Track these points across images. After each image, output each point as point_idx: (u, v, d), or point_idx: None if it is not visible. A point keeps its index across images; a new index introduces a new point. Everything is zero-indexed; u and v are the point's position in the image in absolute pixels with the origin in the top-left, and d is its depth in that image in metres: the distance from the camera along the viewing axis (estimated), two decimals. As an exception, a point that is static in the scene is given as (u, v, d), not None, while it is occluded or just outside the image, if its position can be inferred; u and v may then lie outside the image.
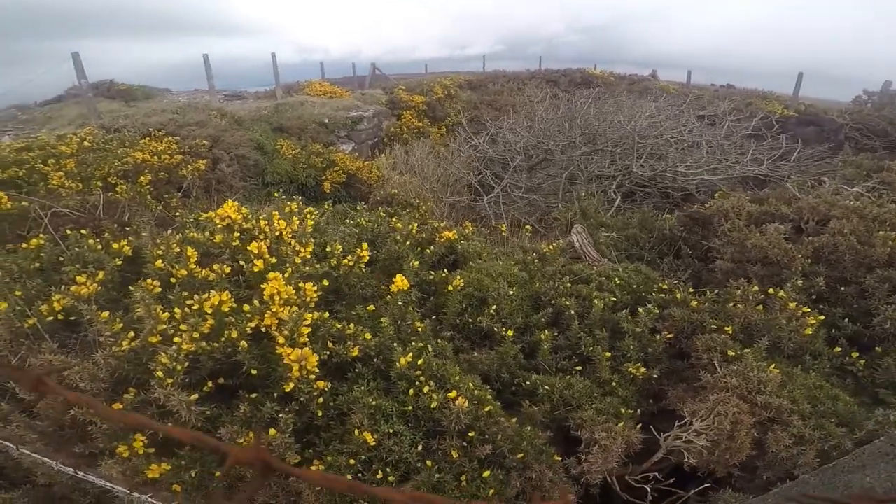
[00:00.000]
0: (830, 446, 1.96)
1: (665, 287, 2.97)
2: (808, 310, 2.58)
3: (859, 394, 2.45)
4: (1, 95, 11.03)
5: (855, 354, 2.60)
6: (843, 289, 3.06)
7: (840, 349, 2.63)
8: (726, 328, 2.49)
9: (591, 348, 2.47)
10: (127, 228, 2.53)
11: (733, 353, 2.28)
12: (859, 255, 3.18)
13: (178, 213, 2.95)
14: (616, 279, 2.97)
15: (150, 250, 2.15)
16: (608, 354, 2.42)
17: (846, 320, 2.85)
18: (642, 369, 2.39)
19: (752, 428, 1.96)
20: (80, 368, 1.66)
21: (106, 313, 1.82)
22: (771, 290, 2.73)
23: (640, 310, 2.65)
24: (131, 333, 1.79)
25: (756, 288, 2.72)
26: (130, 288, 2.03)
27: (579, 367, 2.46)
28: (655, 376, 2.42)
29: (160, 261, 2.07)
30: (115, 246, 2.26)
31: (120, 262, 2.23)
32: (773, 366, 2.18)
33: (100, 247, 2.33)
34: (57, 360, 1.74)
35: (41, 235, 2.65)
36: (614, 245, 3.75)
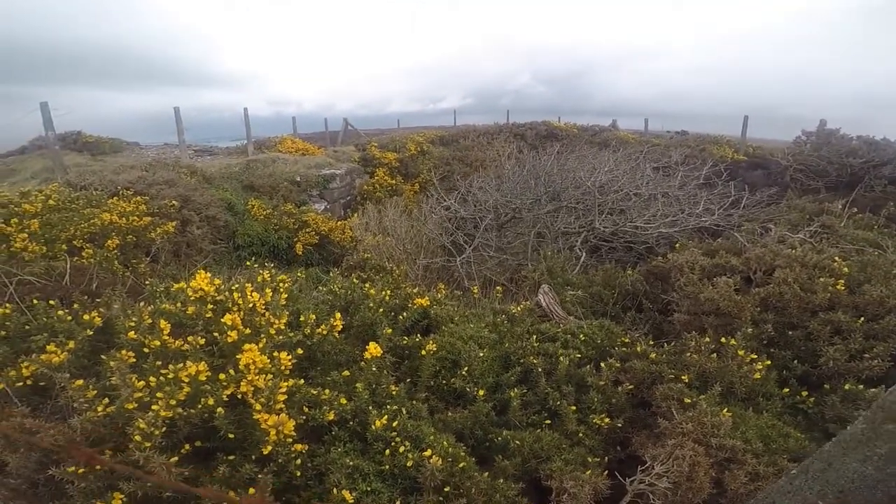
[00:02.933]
0: (785, 481, 2.10)
1: (627, 341, 3.13)
2: (756, 356, 2.78)
3: (811, 430, 2.60)
4: None
5: (804, 393, 2.79)
6: (790, 333, 3.27)
7: (789, 389, 2.83)
8: (683, 377, 2.65)
9: (558, 403, 2.58)
10: (97, 300, 2.53)
11: (689, 400, 2.44)
12: (803, 301, 3.43)
13: (147, 282, 2.95)
14: (581, 336, 3.11)
15: (121, 322, 2.17)
16: (574, 408, 2.54)
17: (795, 362, 3.06)
18: (607, 419, 2.52)
19: (710, 469, 2.09)
20: (55, 432, 1.69)
21: (80, 381, 1.85)
22: (724, 340, 2.91)
23: (603, 364, 2.79)
24: (106, 400, 1.82)
25: (708, 339, 2.90)
26: (103, 357, 2.07)
27: (548, 421, 2.56)
28: (620, 425, 2.55)
29: (133, 332, 2.10)
30: (86, 317, 2.27)
31: (91, 333, 2.23)
32: (725, 410, 2.34)
33: (69, 318, 2.33)
34: (29, 423, 1.74)
35: (7, 304, 2.62)
36: (580, 303, 3.91)
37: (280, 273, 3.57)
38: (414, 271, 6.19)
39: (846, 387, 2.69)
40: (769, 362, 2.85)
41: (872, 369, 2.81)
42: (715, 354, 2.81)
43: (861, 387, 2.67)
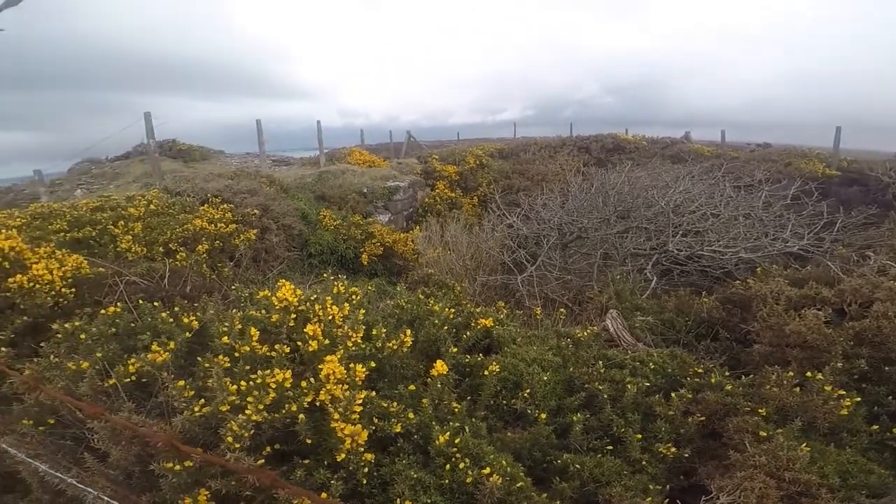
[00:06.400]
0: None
1: (700, 371, 3.01)
2: (844, 392, 2.60)
3: (896, 466, 2.41)
4: (84, 150, 12.26)
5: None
6: (887, 368, 3.01)
7: (879, 426, 2.62)
8: (760, 410, 2.54)
9: (622, 430, 2.54)
10: (195, 304, 2.79)
11: (764, 434, 2.35)
12: (904, 336, 3.11)
13: (233, 287, 3.21)
14: (650, 364, 3.02)
15: (216, 326, 2.38)
16: (639, 436, 2.49)
17: (890, 398, 2.83)
18: (673, 449, 2.45)
19: (779, 502, 2.01)
20: (158, 429, 1.86)
21: (182, 381, 2.03)
22: (809, 374, 2.75)
23: (673, 394, 2.71)
24: (202, 401, 1.98)
25: (791, 373, 2.75)
26: (198, 358, 2.27)
27: (610, 447, 2.52)
28: (686, 455, 2.47)
29: (226, 337, 2.30)
30: (185, 320, 2.51)
31: (189, 335, 2.46)
32: (804, 444, 2.24)
33: (171, 320, 2.59)
34: (135, 419, 1.93)
35: (118, 304, 2.94)
36: (650, 329, 3.76)
37: (349, 283, 3.74)
38: (472, 287, 6.21)
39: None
40: (859, 399, 2.66)
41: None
42: (798, 388, 2.67)
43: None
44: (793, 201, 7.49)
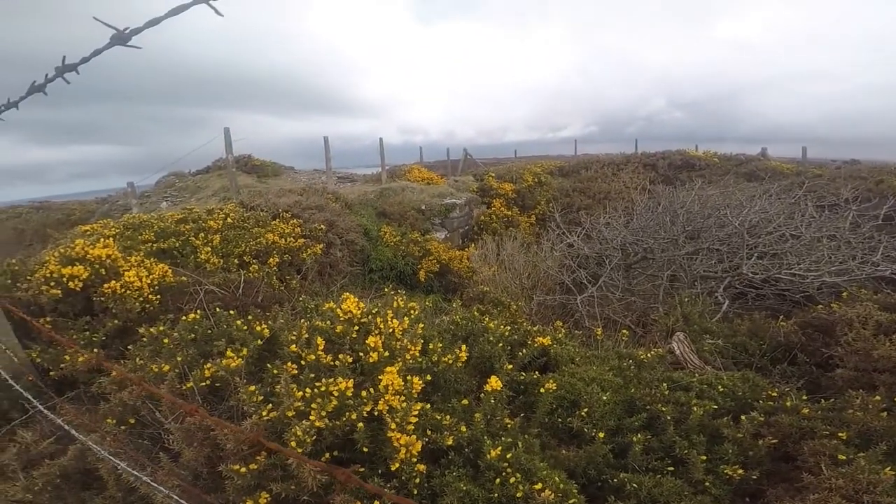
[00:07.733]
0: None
1: (774, 394, 2.82)
2: None
3: None
4: (171, 163, 13.47)
5: None
6: None
7: None
8: (840, 434, 2.37)
9: (685, 451, 2.43)
10: (266, 314, 2.99)
11: (843, 457, 2.19)
12: None
13: (301, 298, 3.40)
14: (719, 387, 2.86)
15: (285, 335, 2.53)
16: (704, 458, 2.37)
17: None
18: (740, 471, 2.31)
19: None
20: (228, 431, 1.96)
21: (253, 387, 2.14)
22: None
23: (743, 417, 2.57)
24: (269, 406, 2.09)
25: (879, 398, 2.54)
26: (268, 365, 2.40)
27: (671, 468, 2.40)
28: (754, 477, 2.33)
29: (294, 346, 2.43)
30: (258, 328, 2.69)
31: (260, 343, 2.62)
32: (888, 468, 2.06)
33: (245, 328, 2.77)
34: (210, 421, 2.05)
35: (197, 311, 3.19)
36: (720, 352, 3.55)
37: (408, 299, 3.83)
38: (529, 307, 6.13)
39: None
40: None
41: None
42: (885, 413, 2.47)
43: None
44: (885, 222, 6.87)
